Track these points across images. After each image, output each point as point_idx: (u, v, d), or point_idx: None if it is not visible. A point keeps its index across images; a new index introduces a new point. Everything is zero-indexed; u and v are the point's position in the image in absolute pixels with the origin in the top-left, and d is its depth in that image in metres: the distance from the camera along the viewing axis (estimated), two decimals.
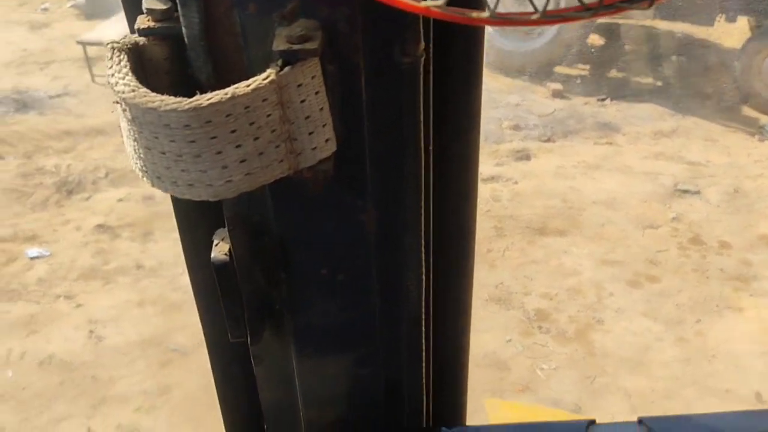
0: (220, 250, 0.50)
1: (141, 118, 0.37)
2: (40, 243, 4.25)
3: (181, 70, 0.43)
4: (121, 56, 0.40)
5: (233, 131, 0.37)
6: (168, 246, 4.30)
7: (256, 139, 0.38)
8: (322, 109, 0.40)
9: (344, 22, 0.39)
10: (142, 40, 0.41)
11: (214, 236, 0.52)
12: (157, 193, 4.75)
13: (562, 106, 6.07)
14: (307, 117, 0.39)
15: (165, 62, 0.42)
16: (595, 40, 7.16)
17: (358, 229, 0.47)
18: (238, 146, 0.38)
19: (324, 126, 0.40)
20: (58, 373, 3.33)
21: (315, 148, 0.41)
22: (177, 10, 0.41)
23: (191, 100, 0.36)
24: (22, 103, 5.89)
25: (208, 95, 0.36)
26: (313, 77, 0.39)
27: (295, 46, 0.37)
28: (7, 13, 7.56)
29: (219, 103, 0.36)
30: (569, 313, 3.79)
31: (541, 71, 6.39)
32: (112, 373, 3.33)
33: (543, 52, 6.26)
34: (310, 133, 0.40)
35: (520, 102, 6.05)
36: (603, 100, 6.19)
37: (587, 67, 6.73)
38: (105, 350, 3.46)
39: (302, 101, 0.39)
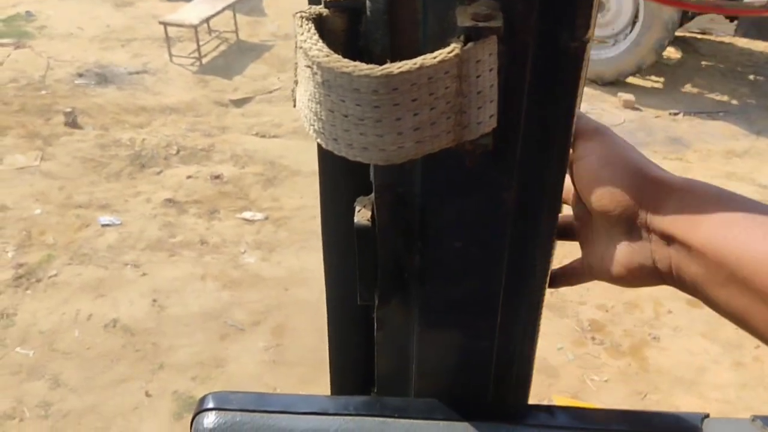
0: (362, 215, 0.53)
1: (331, 82, 0.41)
2: (112, 212, 4.43)
3: (354, 42, 0.46)
4: (309, 24, 0.43)
5: (414, 100, 0.40)
6: (231, 225, 4.42)
7: (432, 109, 0.41)
8: (492, 85, 0.42)
9: (522, 3, 0.41)
10: (325, 11, 0.45)
11: (356, 203, 0.55)
12: (225, 173, 4.89)
13: (632, 117, 5.95)
14: (479, 92, 0.42)
15: (342, 33, 0.46)
16: (672, 53, 6.98)
17: (500, 206, 0.50)
18: (415, 114, 0.41)
19: (491, 102, 0.43)
20: (122, 337, 3.47)
21: (480, 122, 0.43)
22: None
23: (383, 67, 0.39)
24: (103, 77, 6.13)
25: (399, 64, 0.39)
26: (490, 54, 0.41)
27: (480, 24, 0.40)
28: None
29: (408, 72, 0.39)
30: (625, 326, 3.73)
31: (613, 81, 6.27)
32: (172, 341, 3.45)
33: (618, 61, 6.14)
34: (479, 108, 0.43)
35: (589, 110, 5.95)
36: (675, 114, 6.03)
37: (661, 79, 6.57)
38: (166, 319, 3.59)
39: (477, 77, 0.41)
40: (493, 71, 0.42)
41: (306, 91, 0.44)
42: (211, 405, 0.54)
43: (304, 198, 4.74)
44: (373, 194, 0.54)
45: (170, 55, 6.47)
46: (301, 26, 0.43)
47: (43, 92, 5.82)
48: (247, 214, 4.53)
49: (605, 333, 3.68)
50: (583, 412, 0.58)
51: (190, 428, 0.54)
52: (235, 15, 6.89)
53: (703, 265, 0.46)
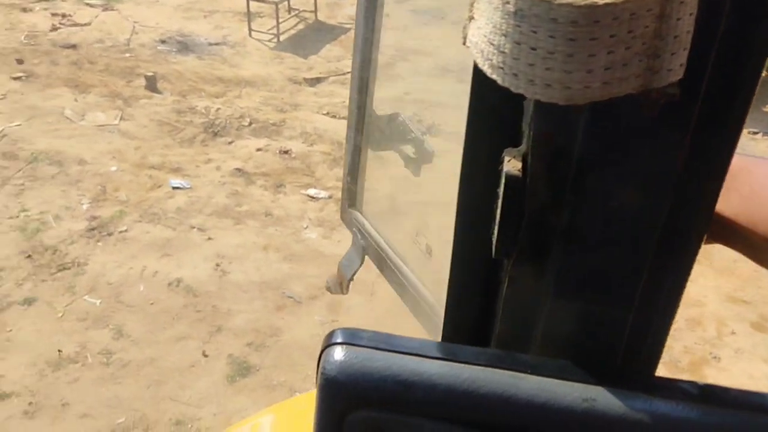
0: (513, 165, 0.52)
1: (525, 11, 0.40)
2: (183, 176, 4.55)
3: None
4: None
5: (612, 36, 0.39)
6: (296, 200, 4.48)
7: (627, 48, 0.40)
8: (689, 31, 0.41)
9: None
10: None
11: (504, 153, 0.54)
12: (294, 149, 4.96)
13: None
14: (676, 36, 0.40)
15: None
16: None
17: (667, 166, 0.48)
18: (609, 52, 0.39)
19: (684, 50, 0.41)
20: (184, 297, 3.57)
21: (671, 69, 0.41)
22: None
23: None
24: (184, 46, 6.29)
25: None
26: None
27: None
28: None
29: (612, 4, 0.38)
30: (685, 343, 3.62)
31: None
32: (231, 306, 3.53)
33: None
34: (672, 54, 0.41)
35: None
36: (755, 133, 5.79)
37: None
38: (228, 284, 3.67)
39: (678, 19, 0.40)
40: (693, 15, 0.40)
41: (488, 23, 0.43)
42: (340, 339, 0.54)
43: (368, 181, 4.75)
44: (523, 145, 0.53)
45: (250, 29, 6.58)
46: None
47: (127, 55, 6.01)
48: (312, 191, 4.58)
49: (665, 347, 3.57)
50: (723, 389, 0.55)
51: (318, 361, 0.54)
52: None
53: None
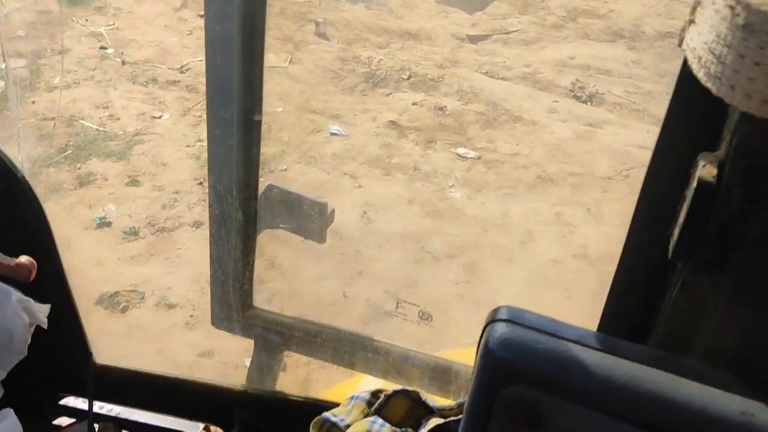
0: (707, 171, 0.51)
1: (757, 26, 0.39)
2: (341, 123, 4.73)
3: None
4: None
5: None
6: (445, 157, 4.51)
7: None
8: None
9: None
10: None
11: (699, 157, 0.53)
12: (449, 106, 4.96)
13: None
14: None
15: None
16: None
17: None
18: None
19: None
20: (331, 238, 3.76)
21: None
22: None
23: None
24: None
25: None
26: None
27: None
28: None
29: None
30: None
31: None
32: (373, 253, 3.68)
33: None
34: None
35: None
36: None
37: None
38: (372, 232, 3.82)
39: None
40: None
41: (712, 30, 0.43)
42: (505, 317, 0.57)
43: (520, 145, 4.67)
44: (721, 151, 0.52)
45: None
46: None
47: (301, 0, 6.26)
48: (461, 150, 4.58)
49: None
50: None
51: (481, 336, 0.57)
52: None
53: None
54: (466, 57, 5.66)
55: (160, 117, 4.64)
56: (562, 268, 3.69)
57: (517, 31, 6.04)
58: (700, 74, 0.45)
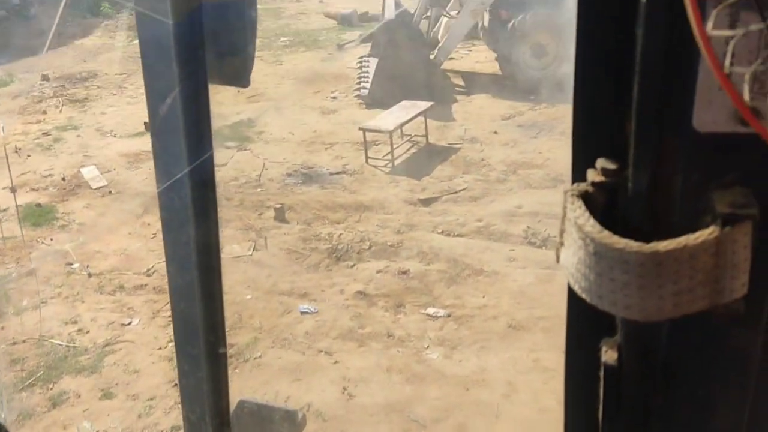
0: (610, 356, 0.61)
1: (602, 253, 0.50)
2: (310, 300, 4.82)
3: (612, 214, 0.56)
4: (579, 201, 0.53)
5: (676, 271, 0.48)
6: (416, 320, 4.58)
7: (691, 278, 0.49)
8: (746, 260, 0.49)
9: None
10: (590, 188, 0.55)
11: (602, 342, 0.62)
12: (412, 269, 5.12)
13: None
14: (734, 265, 0.49)
15: (602, 206, 0.55)
16: None
17: (745, 361, 0.55)
18: (675, 283, 0.49)
19: (744, 273, 0.50)
20: (314, 422, 3.69)
21: (733, 290, 0.50)
22: (626, 169, 0.53)
23: (651, 245, 0.48)
24: (308, 177, 6.82)
25: (665, 243, 0.48)
26: (745, 235, 0.48)
27: (738, 211, 0.47)
28: (304, 98, 8.89)
29: (674, 250, 0.47)
30: None
31: None
32: (359, 430, 3.60)
33: None
34: (732, 278, 0.49)
35: None
36: None
37: None
38: (355, 408, 3.76)
39: (733, 253, 0.48)
40: (747, 248, 0.49)
41: (575, 255, 0.54)
42: None
43: (486, 297, 4.79)
44: (618, 336, 0.61)
45: (366, 157, 7.04)
46: (573, 203, 0.54)
47: (258, 190, 6.60)
48: (431, 310, 4.67)
49: None
50: None
51: None
52: (426, 120, 7.38)
53: None
54: (421, 220, 5.94)
55: (129, 323, 4.66)
56: (553, 416, 3.65)
57: (464, 189, 6.42)
58: (575, 287, 0.56)
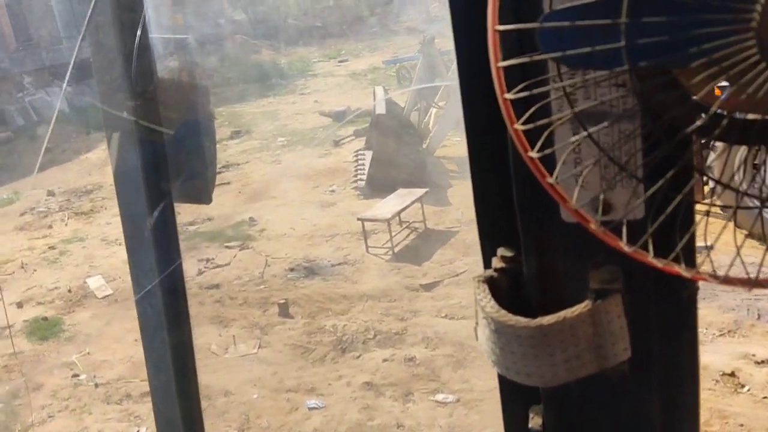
0: (535, 422, 0.67)
1: (501, 330, 0.58)
2: (317, 395, 4.78)
3: (516, 292, 0.64)
4: (484, 285, 0.62)
5: (562, 341, 0.56)
6: (425, 408, 4.53)
7: (576, 346, 0.57)
8: (622, 327, 0.57)
9: (639, 267, 0.57)
10: (495, 274, 0.64)
11: (530, 410, 0.69)
12: (418, 355, 5.11)
13: None
14: (611, 333, 0.57)
15: (507, 288, 0.64)
16: None
17: (645, 415, 0.61)
18: (563, 351, 0.56)
19: (623, 339, 0.57)
20: None
21: (616, 354, 0.57)
22: (521, 255, 0.62)
23: (536, 320, 0.56)
24: (310, 270, 6.91)
25: (548, 318, 0.56)
26: (616, 306, 0.56)
27: (606, 286, 0.56)
28: (303, 194, 9.12)
29: (556, 323, 0.56)
30: None
31: None
32: None
33: None
34: (613, 344, 0.57)
35: None
36: None
37: None
38: None
39: (609, 322, 0.56)
40: (621, 317, 0.57)
41: (484, 333, 0.62)
42: None
43: (495, 380, 4.73)
44: (541, 404, 0.68)
45: (366, 246, 7.16)
46: (479, 288, 0.62)
47: (262, 287, 6.67)
48: (440, 397, 4.63)
49: None
50: None
51: None
52: (423, 207, 7.54)
53: None
54: (424, 305, 5.97)
55: (137, 431, 4.62)
56: None
57: (465, 271, 6.48)
58: (489, 361, 0.63)
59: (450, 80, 9.39)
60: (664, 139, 0.44)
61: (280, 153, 11.09)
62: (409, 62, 13.51)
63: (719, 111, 0.39)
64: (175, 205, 0.79)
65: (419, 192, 7.63)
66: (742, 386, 4.21)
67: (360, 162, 8.89)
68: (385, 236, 7.21)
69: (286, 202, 8.91)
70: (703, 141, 0.45)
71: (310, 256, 7.22)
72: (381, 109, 9.09)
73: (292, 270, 6.97)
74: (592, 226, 0.47)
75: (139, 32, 0.65)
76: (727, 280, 0.42)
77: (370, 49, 18.82)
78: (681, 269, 0.45)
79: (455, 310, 5.74)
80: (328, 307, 6.10)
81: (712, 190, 0.53)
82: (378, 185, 8.32)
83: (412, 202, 7.45)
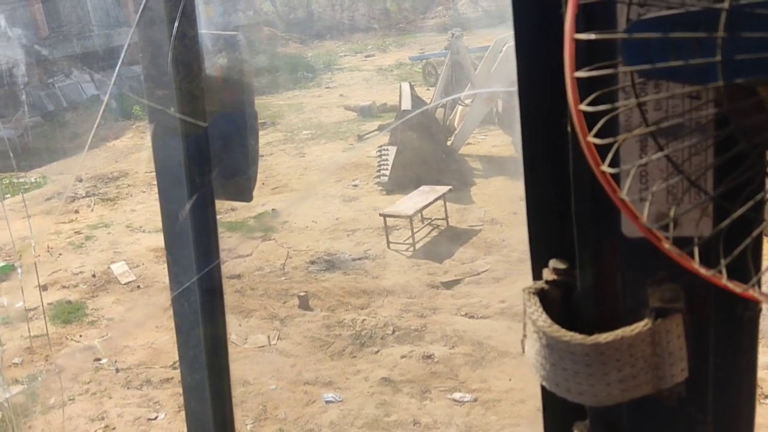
0: None
1: (553, 346, 0.56)
2: (335, 389, 4.79)
3: (568, 306, 0.62)
4: (535, 298, 0.60)
5: (618, 360, 0.54)
6: (442, 405, 4.51)
7: (633, 366, 0.55)
8: (681, 348, 0.55)
9: (702, 286, 0.54)
10: (546, 286, 0.62)
11: (574, 426, 0.67)
12: (436, 353, 5.09)
13: None
14: (670, 353, 0.55)
15: (559, 301, 0.62)
16: None
17: None
18: (619, 370, 0.55)
19: (681, 360, 0.55)
20: None
21: (673, 375, 0.55)
22: (575, 268, 0.60)
23: (593, 338, 0.54)
24: (331, 264, 6.92)
25: (605, 335, 0.54)
26: (677, 326, 0.54)
27: (667, 305, 0.54)
28: (327, 188, 9.14)
29: (613, 341, 0.54)
30: None
31: None
32: None
33: None
34: (671, 364, 0.55)
35: None
36: None
37: None
38: None
39: (668, 342, 0.54)
40: (681, 338, 0.55)
41: (533, 347, 0.60)
42: None
43: (513, 380, 4.72)
44: (587, 420, 0.66)
45: (388, 242, 7.15)
46: (529, 300, 0.61)
47: (282, 278, 6.70)
48: (457, 395, 4.61)
49: None
50: None
51: None
52: (445, 204, 7.51)
53: None
54: (444, 303, 5.95)
55: (156, 418, 4.66)
56: None
57: (486, 270, 6.44)
58: (537, 376, 0.61)
59: (476, 78, 9.33)
60: (752, 158, 0.41)
61: (304, 146, 11.11)
62: (436, 59, 13.46)
63: None
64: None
65: (442, 189, 7.59)
66: (766, 397, 4.14)
67: (383, 157, 8.88)
68: (406, 232, 7.19)
69: (309, 194, 8.93)
70: None
71: (332, 250, 7.23)
72: (407, 105, 9.06)
73: (313, 263, 6.99)
74: (666, 245, 0.45)
75: (187, 27, 0.64)
76: None
77: (397, 44, 18.78)
78: (759, 294, 0.43)
79: (475, 309, 5.71)
80: (348, 301, 6.11)
81: None
82: (401, 181, 8.30)
83: (435, 199, 7.42)
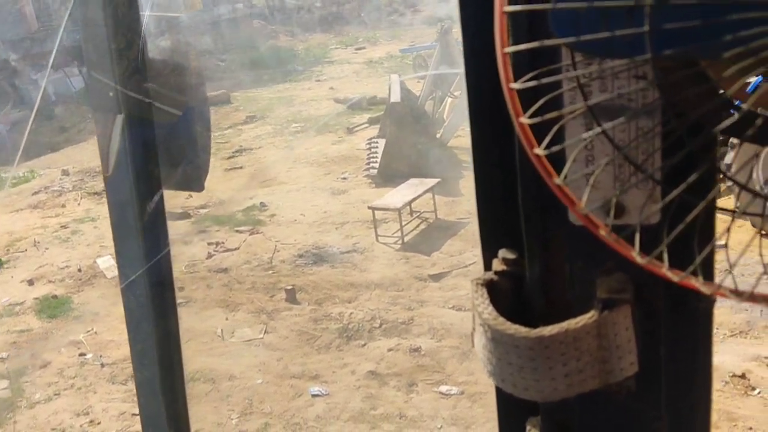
0: None
1: (498, 339, 0.54)
2: (321, 382, 4.77)
3: (517, 299, 0.60)
4: (483, 289, 0.58)
5: (563, 354, 0.52)
6: (429, 398, 4.50)
7: (578, 360, 0.52)
8: (629, 341, 0.53)
9: (651, 276, 0.52)
10: (495, 277, 0.59)
11: (527, 422, 0.65)
12: (423, 345, 5.08)
13: None
14: (618, 346, 0.52)
15: (508, 293, 0.60)
16: None
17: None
18: (564, 364, 0.52)
19: (630, 353, 0.53)
20: None
21: (622, 368, 0.53)
22: (524, 258, 0.58)
23: (537, 330, 0.52)
24: (319, 257, 6.88)
25: (549, 328, 0.52)
26: (625, 317, 0.52)
27: (614, 296, 0.51)
28: (315, 180, 9.09)
29: (557, 334, 0.51)
30: None
31: None
32: None
33: None
34: (619, 358, 0.53)
35: None
36: None
37: None
38: None
39: (615, 335, 0.52)
40: (629, 330, 0.52)
41: (480, 341, 0.58)
42: None
43: None
44: (539, 416, 0.64)
45: (376, 235, 7.12)
46: (476, 291, 0.58)
47: (270, 272, 6.66)
48: (444, 388, 4.60)
49: None
50: None
51: None
52: (434, 197, 7.49)
53: None
54: (431, 295, 5.93)
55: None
56: None
57: (474, 263, 6.42)
58: (485, 372, 0.59)
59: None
60: (688, 138, 0.39)
61: (293, 139, 11.05)
62: (426, 51, 13.40)
63: (751, 109, 0.35)
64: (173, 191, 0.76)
65: (431, 182, 7.57)
66: (753, 389, 4.15)
67: (373, 150, 8.84)
68: (395, 225, 7.16)
69: (297, 188, 8.88)
70: (729, 141, 0.40)
71: (320, 243, 7.20)
72: (396, 98, 9.02)
73: (300, 256, 6.95)
74: (602, 232, 0.42)
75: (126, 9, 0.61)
76: (752, 298, 0.38)
77: (388, 37, 18.69)
78: (699, 284, 0.40)
79: (463, 302, 5.70)
80: (336, 294, 6.08)
81: (729, 189, 0.48)
82: (390, 174, 8.27)
83: (424, 192, 7.39)
